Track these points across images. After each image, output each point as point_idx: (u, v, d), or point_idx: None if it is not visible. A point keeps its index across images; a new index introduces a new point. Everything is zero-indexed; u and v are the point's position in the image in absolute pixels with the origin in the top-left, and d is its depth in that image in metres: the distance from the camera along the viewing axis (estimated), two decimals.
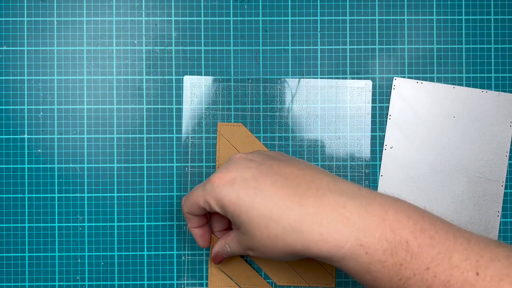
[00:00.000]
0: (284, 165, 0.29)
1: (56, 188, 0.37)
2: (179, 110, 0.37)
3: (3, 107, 0.37)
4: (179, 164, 0.37)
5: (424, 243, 0.24)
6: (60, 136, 0.37)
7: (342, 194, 0.27)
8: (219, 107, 0.37)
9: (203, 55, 0.37)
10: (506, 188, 0.37)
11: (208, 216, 0.34)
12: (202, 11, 0.37)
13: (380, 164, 0.37)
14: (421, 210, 0.27)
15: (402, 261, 0.24)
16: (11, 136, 0.37)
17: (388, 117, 0.37)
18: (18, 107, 0.37)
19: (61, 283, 0.37)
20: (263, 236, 0.27)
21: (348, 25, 0.37)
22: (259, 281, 0.37)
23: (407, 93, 0.37)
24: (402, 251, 0.25)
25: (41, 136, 0.37)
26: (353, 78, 0.37)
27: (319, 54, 0.37)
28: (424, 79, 0.37)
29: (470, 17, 0.37)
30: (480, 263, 0.24)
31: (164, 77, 0.37)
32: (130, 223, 0.37)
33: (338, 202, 0.26)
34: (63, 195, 0.37)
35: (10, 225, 0.37)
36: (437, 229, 0.25)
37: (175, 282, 0.37)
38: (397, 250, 0.25)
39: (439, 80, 0.37)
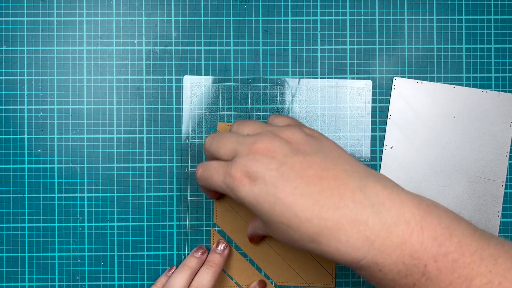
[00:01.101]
0: (307, 164, 0.26)
1: (56, 188, 0.37)
2: (179, 110, 0.37)
3: (3, 107, 0.37)
4: (179, 164, 0.37)
5: (445, 267, 0.23)
6: (60, 136, 0.37)
7: (367, 205, 0.24)
8: (219, 107, 0.37)
9: (203, 55, 0.37)
10: (506, 188, 0.37)
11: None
12: (202, 11, 0.37)
13: (380, 164, 0.37)
14: (452, 226, 0.24)
15: (416, 281, 0.24)
16: (11, 136, 0.37)
17: (388, 117, 0.37)
18: (18, 107, 0.37)
19: (61, 283, 0.37)
20: (283, 237, 0.26)
21: (348, 25, 0.37)
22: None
23: (407, 93, 0.37)
24: (418, 273, 0.24)
25: (41, 136, 0.37)
26: (353, 78, 0.37)
27: (319, 54, 0.37)
28: (424, 79, 0.37)
29: (470, 17, 0.37)
30: (503, 285, 0.23)
31: (164, 77, 0.37)
32: (130, 223, 0.37)
33: (361, 217, 0.24)
34: (63, 195, 0.37)
35: (10, 225, 0.37)
36: (464, 251, 0.24)
37: None
38: (412, 272, 0.24)
39: (439, 80, 0.37)
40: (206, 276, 0.34)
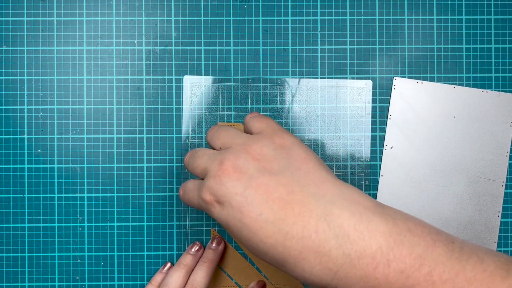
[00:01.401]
0: (272, 186, 0.26)
1: (56, 188, 0.37)
2: (179, 110, 0.37)
3: (3, 107, 0.37)
4: (179, 164, 0.37)
5: None
6: (60, 136, 0.37)
7: (330, 237, 0.24)
8: (219, 107, 0.37)
9: (203, 55, 0.37)
10: (506, 188, 0.37)
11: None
12: (202, 11, 0.37)
13: (380, 164, 0.37)
14: (425, 253, 0.23)
15: None
16: (11, 136, 0.37)
17: (388, 117, 0.37)
18: (18, 107, 0.37)
19: (61, 283, 0.37)
20: (258, 257, 0.27)
21: (348, 25, 0.37)
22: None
23: (407, 93, 0.37)
24: None
25: (41, 136, 0.37)
26: (353, 78, 0.37)
27: (319, 54, 0.37)
28: (425, 79, 0.37)
29: (470, 17, 0.37)
30: None
31: (164, 77, 0.37)
32: (130, 223, 0.37)
33: (323, 248, 0.24)
34: (63, 195, 0.37)
35: (10, 225, 0.37)
36: (434, 280, 0.23)
37: None
38: None
39: (439, 80, 0.37)
40: (201, 273, 0.35)
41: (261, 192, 0.26)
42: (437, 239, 0.24)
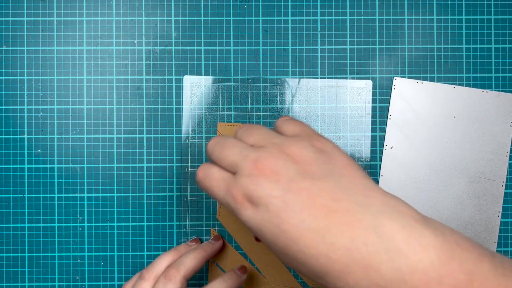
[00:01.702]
0: (315, 192, 0.24)
1: (56, 188, 0.37)
2: (179, 110, 0.37)
3: (3, 107, 0.37)
4: (179, 164, 0.37)
5: None
6: (60, 136, 0.37)
7: (381, 250, 0.22)
8: (219, 107, 0.37)
9: (203, 55, 0.37)
10: (506, 188, 0.37)
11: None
12: (202, 11, 0.37)
13: (380, 164, 0.37)
14: (474, 268, 0.22)
15: None
16: (11, 136, 0.37)
17: (388, 117, 0.37)
18: (18, 107, 0.37)
19: (61, 283, 0.37)
20: (289, 265, 0.25)
21: (348, 25, 0.37)
22: (261, 280, 0.37)
23: (407, 93, 0.37)
24: None
25: (41, 136, 0.37)
26: (353, 78, 0.37)
27: (319, 54, 0.37)
28: (425, 79, 0.37)
29: (470, 17, 0.37)
30: None
31: (164, 77, 0.37)
32: (130, 223, 0.37)
33: (373, 262, 0.22)
34: (63, 195, 0.37)
35: (10, 225, 0.37)
36: None
37: None
38: None
39: (439, 80, 0.37)
40: (189, 255, 0.33)
41: (302, 197, 0.23)
42: (483, 254, 0.23)
